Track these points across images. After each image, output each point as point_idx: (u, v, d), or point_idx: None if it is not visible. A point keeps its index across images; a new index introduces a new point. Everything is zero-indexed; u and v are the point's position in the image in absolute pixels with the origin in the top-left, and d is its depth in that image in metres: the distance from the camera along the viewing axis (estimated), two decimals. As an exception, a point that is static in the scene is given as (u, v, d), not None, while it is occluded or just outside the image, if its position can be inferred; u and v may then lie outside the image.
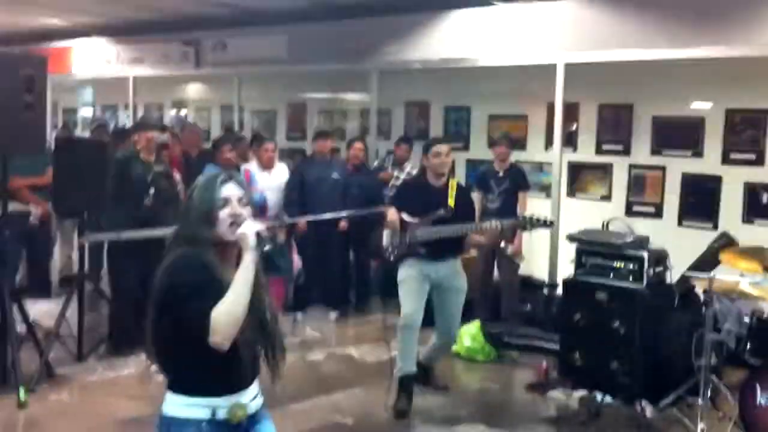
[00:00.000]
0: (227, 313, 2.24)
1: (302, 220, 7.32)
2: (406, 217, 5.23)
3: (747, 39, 6.40)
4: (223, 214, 2.41)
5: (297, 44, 9.35)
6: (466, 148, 9.03)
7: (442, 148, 5.32)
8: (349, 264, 7.91)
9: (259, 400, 2.53)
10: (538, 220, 5.28)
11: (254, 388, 2.51)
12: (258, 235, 2.36)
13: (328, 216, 7.32)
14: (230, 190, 2.46)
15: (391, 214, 5.27)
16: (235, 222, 2.41)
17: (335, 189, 7.56)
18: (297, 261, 7.79)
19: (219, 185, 2.45)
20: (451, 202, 5.26)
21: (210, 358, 2.28)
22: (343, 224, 7.45)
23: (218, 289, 2.28)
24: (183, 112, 12.03)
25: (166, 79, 11.08)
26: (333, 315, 7.63)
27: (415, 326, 5.20)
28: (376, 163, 8.69)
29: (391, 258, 5.31)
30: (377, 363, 6.13)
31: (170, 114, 12.08)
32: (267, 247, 2.38)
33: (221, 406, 2.39)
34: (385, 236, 5.34)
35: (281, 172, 7.53)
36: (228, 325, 2.24)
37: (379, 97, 9.04)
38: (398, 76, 8.97)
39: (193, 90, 12.02)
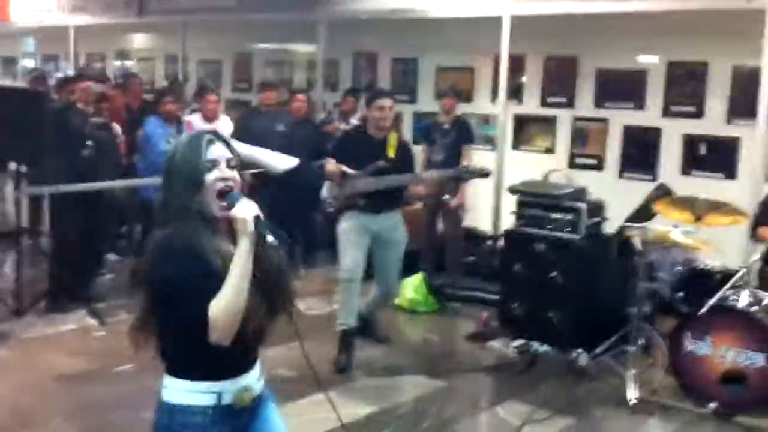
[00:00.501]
0: (225, 310, 2.06)
1: (247, 173, 7.23)
2: (345, 168, 5.22)
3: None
4: (210, 177, 2.16)
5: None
6: (413, 100, 9.01)
7: (386, 102, 5.28)
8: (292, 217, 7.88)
9: (263, 380, 2.40)
10: (474, 170, 5.33)
11: (258, 367, 2.36)
12: (257, 219, 2.10)
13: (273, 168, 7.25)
14: (218, 151, 2.21)
15: (331, 165, 5.25)
16: (225, 188, 2.16)
17: (280, 141, 7.48)
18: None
19: (204, 145, 2.19)
20: (391, 153, 5.25)
21: (213, 345, 2.10)
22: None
23: (216, 278, 2.07)
24: (126, 62, 11.78)
25: (108, 28, 10.81)
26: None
27: (356, 278, 5.22)
28: (322, 116, 8.63)
29: (331, 210, 5.32)
30: (322, 316, 6.16)
31: (113, 64, 11.82)
32: (267, 235, 2.11)
33: (227, 390, 2.22)
34: (325, 188, 5.33)
35: (225, 125, 7.44)
36: (227, 323, 2.06)
37: (327, 49, 8.95)
38: (346, 26, 8.86)
39: (137, 40, 11.76)
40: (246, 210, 2.10)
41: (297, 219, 7.90)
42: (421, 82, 9.00)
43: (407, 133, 8.87)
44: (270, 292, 2.22)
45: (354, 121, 7.99)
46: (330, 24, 8.76)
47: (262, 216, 2.11)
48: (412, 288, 6.54)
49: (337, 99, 8.84)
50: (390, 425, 4.43)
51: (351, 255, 5.22)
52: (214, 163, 2.17)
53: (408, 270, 6.72)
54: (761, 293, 4.80)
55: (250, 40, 10.29)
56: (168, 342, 2.21)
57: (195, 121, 7.31)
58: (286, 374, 5.11)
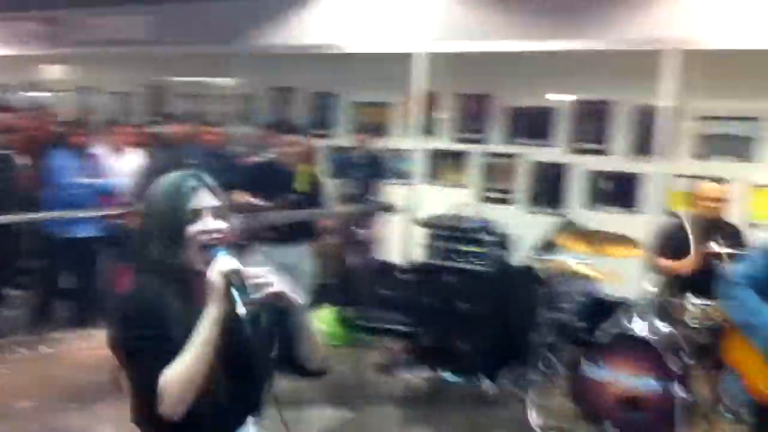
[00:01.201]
0: (176, 380, 1.80)
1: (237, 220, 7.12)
2: (253, 199, 5.19)
3: (598, 33, 6.65)
4: (192, 230, 1.93)
5: (158, 25, 9.13)
6: (329, 135, 9.07)
7: (293, 137, 5.34)
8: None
9: None
10: (379, 204, 5.38)
11: (247, 425, 2.09)
12: (233, 276, 1.85)
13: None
14: (202, 199, 1.97)
15: (237, 195, 5.23)
16: (209, 241, 1.93)
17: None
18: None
19: (188, 192, 1.95)
20: (299, 186, 5.24)
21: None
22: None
23: (177, 345, 1.83)
24: (37, 93, 11.52)
25: (19, 59, 10.58)
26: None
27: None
28: (237, 149, 8.58)
29: (239, 243, 5.27)
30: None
31: (21, 95, 11.55)
32: (246, 297, 1.84)
33: None
34: (233, 220, 5.27)
35: (133, 158, 7.33)
36: (176, 394, 1.80)
37: (243, 82, 8.95)
38: (263, 60, 8.90)
39: (49, 71, 11.53)
40: (219, 268, 1.86)
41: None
42: (338, 117, 9.07)
43: (324, 168, 8.92)
44: (237, 368, 1.96)
45: (270, 155, 7.99)
46: (245, 58, 8.78)
47: (240, 276, 1.86)
48: (322, 320, 6.52)
49: (252, 132, 8.81)
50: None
51: None
52: (197, 214, 1.94)
53: (319, 303, 6.74)
54: (657, 321, 4.96)
55: (164, 72, 10.21)
56: (134, 406, 1.96)
57: (102, 153, 7.18)
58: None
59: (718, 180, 5.49)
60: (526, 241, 6.44)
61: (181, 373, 1.81)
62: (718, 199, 5.27)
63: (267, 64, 8.99)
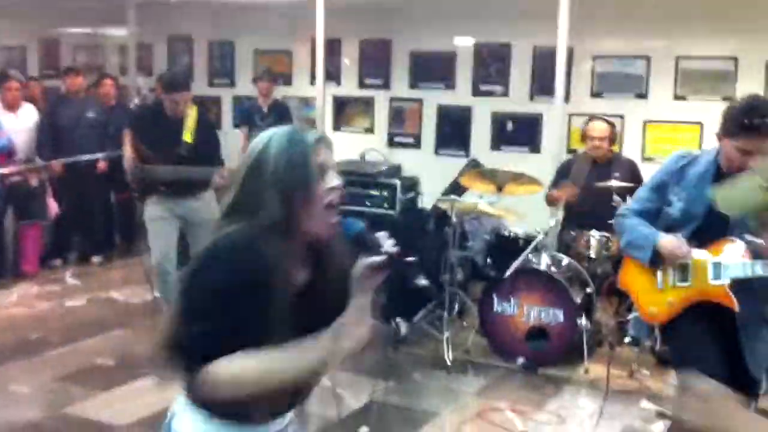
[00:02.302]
0: (236, 382, 1.62)
1: (57, 163, 6.93)
2: (144, 149, 5.04)
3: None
4: (320, 189, 1.73)
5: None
6: (231, 84, 8.94)
7: (182, 96, 5.02)
8: (111, 205, 7.65)
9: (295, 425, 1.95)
10: None
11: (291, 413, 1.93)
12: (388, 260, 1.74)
13: (85, 158, 7.03)
14: (326, 154, 1.78)
15: (128, 149, 5.08)
16: (334, 202, 1.75)
17: (92, 129, 7.23)
18: (54, 205, 7.38)
19: (311, 147, 1.75)
20: (188, 136, 5.03)
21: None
22: (102, 165, 7.16)
23: (266, 306, 1.64)
24: None
25: None
26: (96, 259, 7.38)
27: (166, 270, 5.10)
28: (136, 101, 8.39)
29: (136, 195, 5.18)
30: (141, 304, 6.02)
31: None
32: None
33: None
34: (127, 168, 5.14)
35: (29, 113, 7.06)
36: (229, 392, 1.64)
37: (139, 32, 8.70)
38: (159, 9, 8.64)
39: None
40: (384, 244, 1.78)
41: (115, 206, 7.71)
42: (239, 65, 8.93)
43: (227, 117, 8.81)
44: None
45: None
46: (141, 6, 8.52)
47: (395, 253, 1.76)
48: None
49: (151, 84, 8.60)
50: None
51: (157, 246, 5.10)
52: (323, 170, 1.75)
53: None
54: (559, 255, 5.18)
55: (57, 23, 9.80)
56: (192, 363, 1.70)
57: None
58: (107, 363, 5.01)
59: (605, 119, 5.71)
60: (433, 184, 6.56)
61: (247, 378, 1.63)
62: (604, 138, 5.51)
63: (164, 12, 8.74)
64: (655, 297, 3.13)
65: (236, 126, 8.20)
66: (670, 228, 3.08)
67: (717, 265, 2.97)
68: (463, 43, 7.76)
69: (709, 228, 2.97)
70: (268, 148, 1.73)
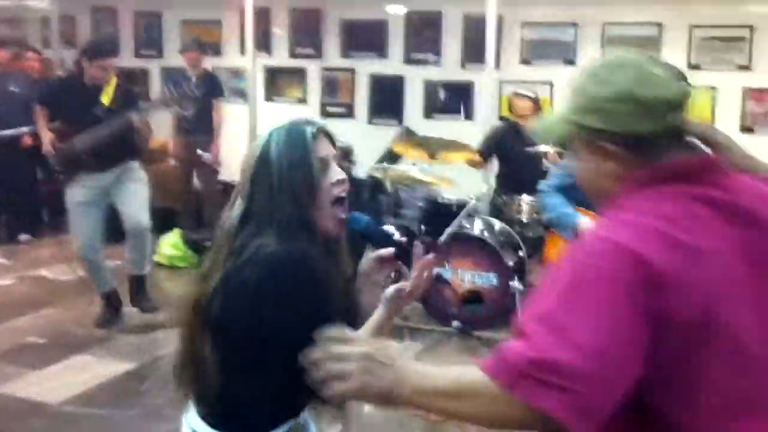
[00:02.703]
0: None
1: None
2: (60, 125, 4.89)
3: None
4: (325, 183, 1.70)
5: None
6: (159, 55, 8.76)
7: (106, 62, 4.86)
8: (37, 181, 7.45)
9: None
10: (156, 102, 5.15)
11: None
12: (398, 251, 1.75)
13: (8, 132, 6.83)
14: (326, 146, 1.75)
15: (42, 130, 4.92)
16: (339, 195, 1.71)
17: (15, 103, 7.01)
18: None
19: (312, 139, 1.71)
20: (106, 98, 4.83)
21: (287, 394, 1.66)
22: (27, 140, 6.95)
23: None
24: None
25: None
26: (24, 237, 7.20)
27: (92, 256, 5.01)
28: (61, 74, 8.14)
29: (61, 176, 5.00)
30: (71, 282, 5.90)
31: None
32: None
33: None
34: (45, 152, 4.96)
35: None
36: None
37: (61, 4, 8.43)
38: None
39: None
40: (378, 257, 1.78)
41: (42, 182, 7.51)
42: (167, 36, 8.74)
43: (156, 89, 8.64)
44: None
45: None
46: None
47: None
48: (169, 245, 6.46)
49: (75, 57, 8.36)
50: (149, 379, 4.39)
51: (82, 232, 4.96)
52: (325, 163, 1.71)
53: (165, 228, 6.64)
54: (492, 220, 5.26)
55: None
56: (231, 392, 1.67)
57: None
58: (38, 342, 4.93)
59: (528, 95, 5.80)
60: (368, 153, 6.58)
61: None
62: (527, 115, 5.62)
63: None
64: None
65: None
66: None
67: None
68: (395, 12, 7.75)
69: None
70: (269, 148, 1.70)
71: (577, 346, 1.15)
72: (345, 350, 1.31)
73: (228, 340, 1.64)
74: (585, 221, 3.19)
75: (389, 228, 1.83)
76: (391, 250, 1.77)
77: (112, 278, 5.21)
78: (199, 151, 6.97)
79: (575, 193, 3.23)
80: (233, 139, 7.37)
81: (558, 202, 3.31)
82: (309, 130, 1.73)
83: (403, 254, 1.78)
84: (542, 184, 3.50)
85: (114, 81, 4.92)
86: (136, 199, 4.99)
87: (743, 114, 6.57)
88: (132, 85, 5.29)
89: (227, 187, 7.49)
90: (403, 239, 1.83)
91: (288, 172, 1.66)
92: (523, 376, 1.15)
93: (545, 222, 3.46)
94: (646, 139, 1.35)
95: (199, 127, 7.10)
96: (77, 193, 4.93)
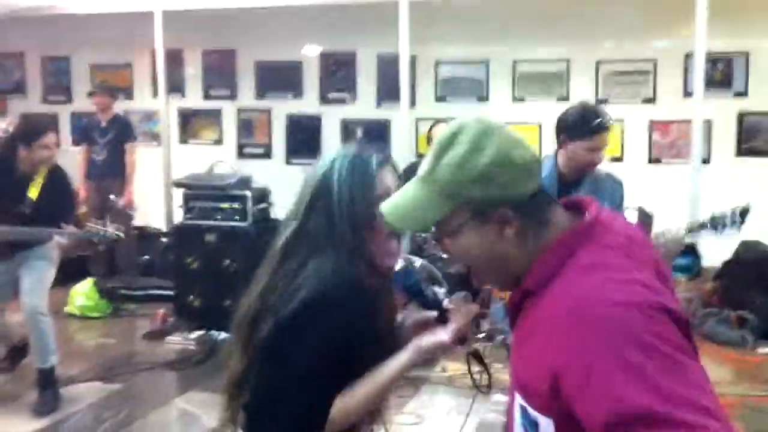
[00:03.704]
0: (351, 413, 1.67)
1: None
2: None
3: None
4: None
5: None
6: (68, 100, 8.55)
7: (51, 138, 4.52)
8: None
9: None
10: (108, 234, 4.83)
11: None
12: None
13: None
14: (389, 178, 1.73)
15: None
16: (394, 231, 1.68)
17: None
18: None
19: (374, 169, 1.71)
20: (33, 194, 4.50)
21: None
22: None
23: (368, 359, 1.66)
24: None
25: None
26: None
27: None
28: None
29: None
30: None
31: None
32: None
33: None
34: None
35: None
36: (344, 423, 1.67)
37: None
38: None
39: None
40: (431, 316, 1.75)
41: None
42: (76, 80, 8.55)
43: (65, 135, 8.41)
44: None
45: (3, 125, 7.37)
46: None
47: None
48: (82, 295, 6.23)
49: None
50: (62, 438, 4.20)
51: None
52: (387, 194, 1.60)
53: (78, 277, 6.42)
54: (413, 257, 5.24)
55: None
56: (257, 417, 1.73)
57: None
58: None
59: (447, 123, 5.86)
60: (286, 194, 6.49)
61: (357, 407, 1.66)
62: None
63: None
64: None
65: (76, 143, 7.84)
66: None
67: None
68: (309, 52, 7.77)
69: None
70: (331, 173, 1.70)
71: (715, 415, 1.09)
72: None
73: (265, 364, 1.68)
74: None
75: (438, 291, 1.78)
76: (434, 314, 1.75)
77: (15, 333, 4.97)
78: (112, 197, 6.78)
79: None
80: (147, 183, 7.22)
81: None
82: (375, 160, 1.73)
83: (445, 318, 1.74)
84: None
85: (44, 172, 4.54)
86: (35, 280, 4.56)
87: (650, 146, 6.78)
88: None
89: (141, 233, 7.33)
90: (451, 306, 1.76)
91: (350, 201, 1.67)
92: None
93: None
94: (531, 200, 1.34)
95: (111, 172, 6.93)
96: None
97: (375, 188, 1.69)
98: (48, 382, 4.56)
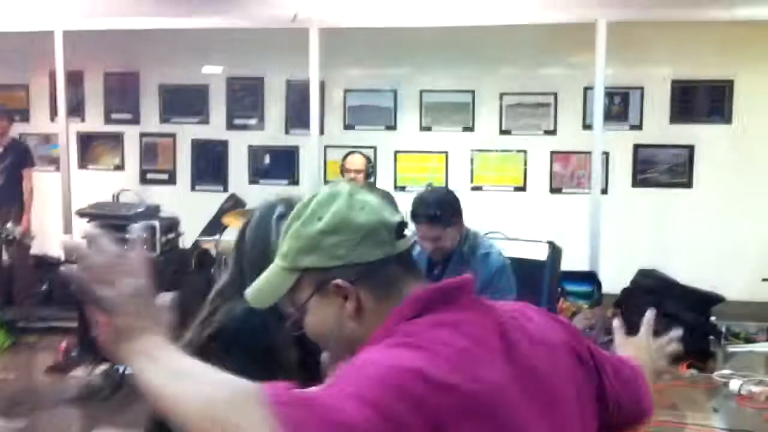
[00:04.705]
0: None
1: None
2: None
3: (245, 13, 6.67)
4: None
5: None
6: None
7: None
8: None
9: None
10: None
11: None
12: None
13: None
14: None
15: None
16: None
17: None
18: None
19: (275, 222, 1.82)
20: None
21: None
22: None
23: None
24: None
25: None
26: None
27: None
28: None
29: None
30: None
31: None
32: None
33: None
34: None
35: None
36: None
37: None
38: None
39: None
40: None
41: None
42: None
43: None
44: None
45: None
46: None
47: None
48: (-23, 328, 5.94)
49: None
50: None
51: None
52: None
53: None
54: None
55: None
56: None
57: None
58: None
59: (362, 153, 5.94)
60: (191, 220, 6.39)
61: None
62: (361, 171, 5.73)
63: None
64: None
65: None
66: None
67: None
68: (214, 76, 7.68)
69: None
70: (246, 226, 1.89)
71: None
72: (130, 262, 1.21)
73: None
74: None
75: None
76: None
77: None
78: (9, 225, 6.49)
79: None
80: (44, 209, 6.97)
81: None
82: (277, 210, 1.84)
83: None
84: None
85: None
86: None
87: (551, 176, 7.02)
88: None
89: (39, 262, 7.05)
90: None
91: (251, 252, 1.83)
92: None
93: None
94: (376, 268, 1.25)
95: (7, 200, 6.64)
96: None
97: (271, 241, 1.79)
98: None
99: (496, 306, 1.32)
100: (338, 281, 1.25)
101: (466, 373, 1.14)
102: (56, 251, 7.17)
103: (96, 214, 5.64)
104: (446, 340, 1.17)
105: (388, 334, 1.20)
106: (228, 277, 1.91)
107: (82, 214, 5.69)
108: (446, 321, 1.21)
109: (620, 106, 6.86)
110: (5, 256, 6.84)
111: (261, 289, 1.34)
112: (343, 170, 5.82)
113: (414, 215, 3.28)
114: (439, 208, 3.32)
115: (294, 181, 7.49)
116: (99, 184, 7.49)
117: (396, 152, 7.32)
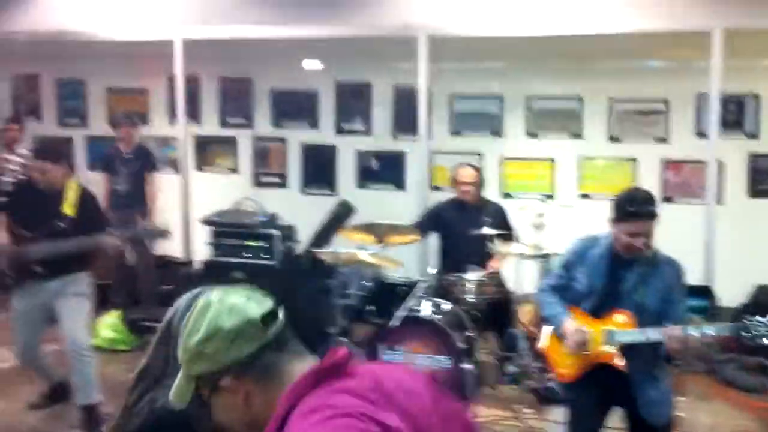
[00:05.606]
0: None
1: None
2: (19, 230, 4.67)
3: (348, 21, 6.83)
4: None
5: None
6: (84, 124, 8.62)
7: (46, 165, 4.65)
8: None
9: None
10: (154, 231, 5.18)
11: None
12: None
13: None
14: None
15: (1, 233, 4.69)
16: None
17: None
18: None
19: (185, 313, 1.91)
20: (69, 209, 4.66)
21: None
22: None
23: None
24: None
25: None
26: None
27: (31, 362, 4.95)
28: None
29: (11, 283, 4.71)
30: (13, 368, 5.68)
31: None
32: None
33: None
34: None
35: None
36: None
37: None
38: (2, 46, 8.17)
39: None
40: None
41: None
42: (91, 104, 8.61)
43: (80, 158, 8.50)
44: None
45: (21, 150, 7.43)
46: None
47: None
48: (108, 327, 6.29)
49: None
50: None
51: (21, 339, 4.82)
52: None
53: (101, 307, 6.47)
54: (440, 301, 5.39)
55: None
56: None
57: None
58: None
59: (473, 165, 6.02)
60: (302, 222, 6.53)
61: None
62: (473, 183, 5.81)
63: (8, 50, 8.27)
64: (564, 360, 3.58)
65: (93, 169, 7.92)
66: (577, 298, 3.49)
67: (608, 333, 3.39)
68: (324, 83, 7.86)
69: (607, 299, 3.41)
70: (173, 314, 2.03)
71: None
72: None
73: None
74: (567, 326, 3.46)
75: None
76: None
77: (54, 371, 5.08)
78: (146, 222, 6.81)
79: (567, 294, 3.53)
80: (165, 210, 7.31)
81: (551, 299, 3.56)
82: (188, 303, 1.97)
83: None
84: (541, 283, 3.79)
85: (76, 188, 4.74)
86: (76, 316, 4.75)
87: (662, 184, 6.92)
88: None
89: (161, 262, 7.41)
90: None
91: (176, 336, 1.87)
92: None
93: (542, 316, 3.72)
94: (252, 360, 1.50)
95: (134, 202, 6.99)
96: (21, 302, 4.75)
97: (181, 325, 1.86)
98: (92, 421, 4.69)
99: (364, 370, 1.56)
100: (224, 381, 1.51)
101: (380, 420, 1.38)
102: (176, 252, 7.53)
103: (219, 222, 5.90)
104: (349, 401, 1.41)
105: (291, 409, 1.42)
106: (147, 359, 2.05)
107: (206, 222, 5.96)
108: (340, 389, 1.44)
109: (735, 113, 6.70)
110: (131, 256, 7.22)
111: (175, 392, 1.59)
112: (455, 182, 5.92)
113: (629, 214, 3.25)
114: (654, 203, 3.32)
115: (400, 185, 7.62)
116: (215, 186, 7.81)
117: (502, 158, 7.36)
